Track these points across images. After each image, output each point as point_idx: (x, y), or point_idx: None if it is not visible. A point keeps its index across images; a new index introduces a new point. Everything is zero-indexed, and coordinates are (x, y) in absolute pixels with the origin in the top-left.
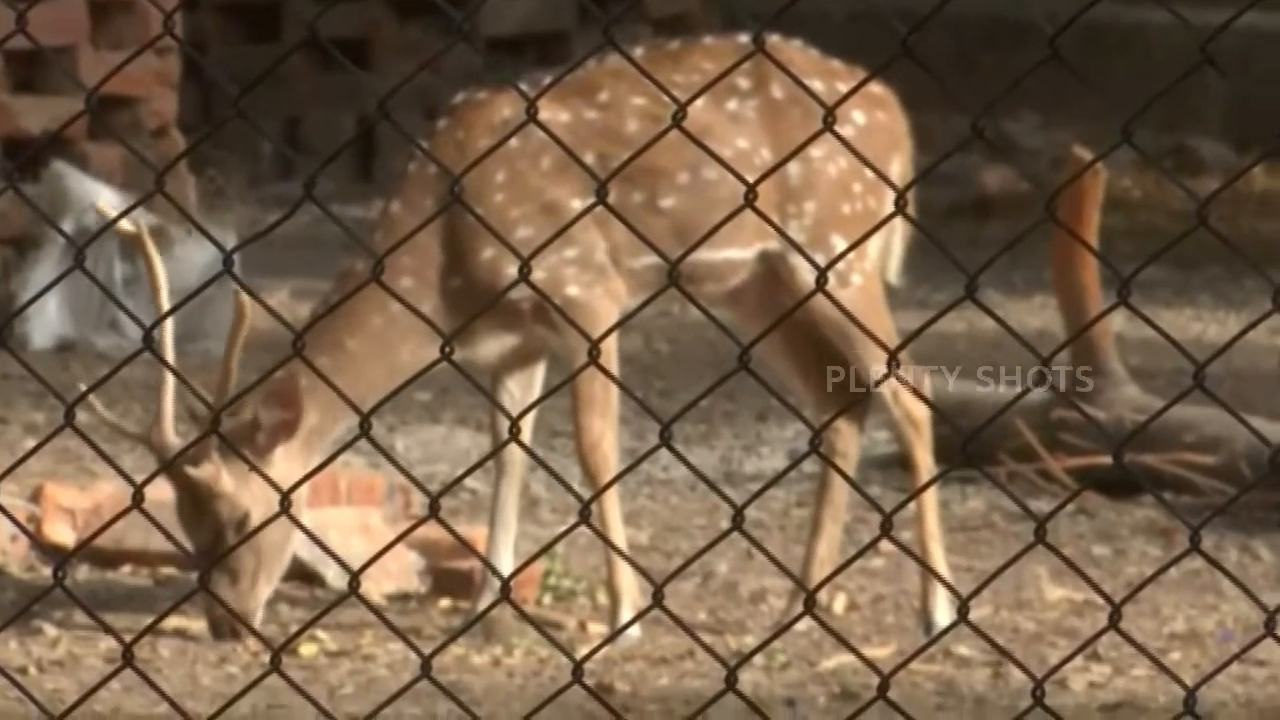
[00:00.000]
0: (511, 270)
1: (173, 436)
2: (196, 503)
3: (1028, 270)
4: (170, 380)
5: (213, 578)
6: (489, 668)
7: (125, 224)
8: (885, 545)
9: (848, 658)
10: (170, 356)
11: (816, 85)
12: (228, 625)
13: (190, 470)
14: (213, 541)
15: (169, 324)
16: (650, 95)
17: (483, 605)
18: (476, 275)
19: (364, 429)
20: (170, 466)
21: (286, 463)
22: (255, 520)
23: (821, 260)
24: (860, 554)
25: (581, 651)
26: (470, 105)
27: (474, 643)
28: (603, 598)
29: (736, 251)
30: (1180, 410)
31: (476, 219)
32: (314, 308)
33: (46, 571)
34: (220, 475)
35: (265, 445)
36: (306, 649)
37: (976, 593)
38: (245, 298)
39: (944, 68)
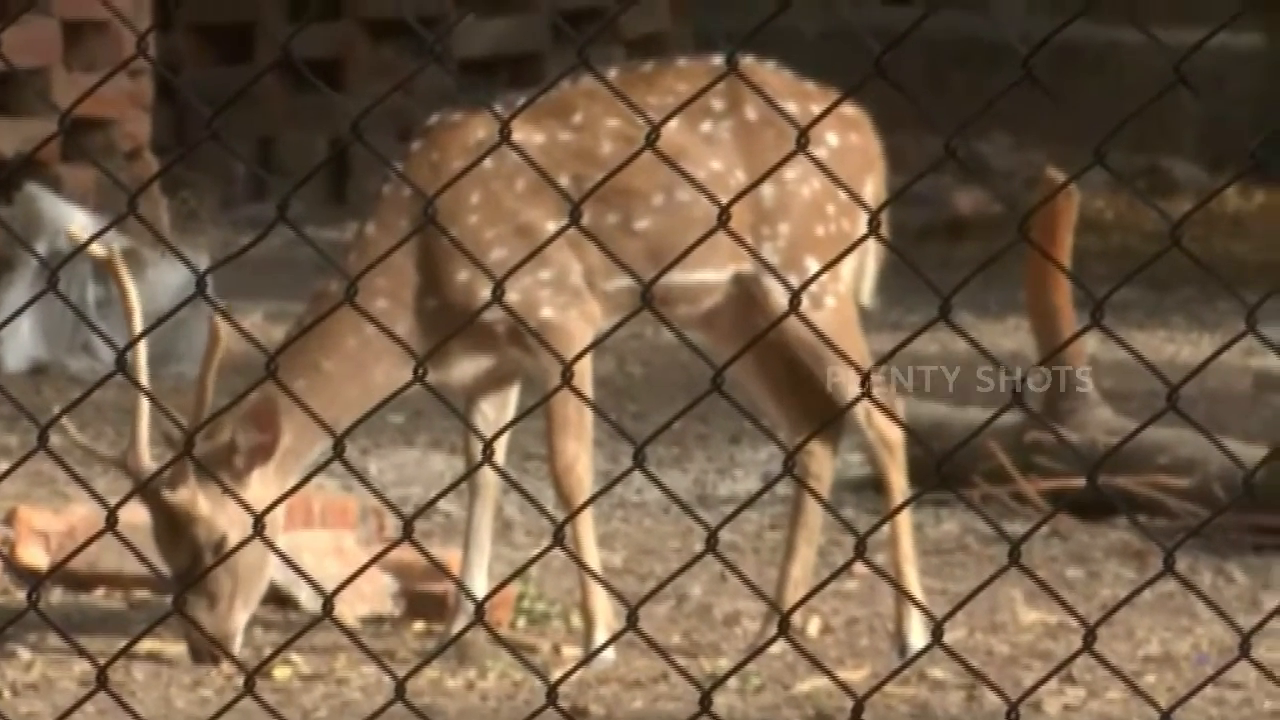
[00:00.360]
0: (486, 292)
1: (148, 460)
2: (173, 526)
3: (1001, 292)
4: (145, 404)
5: (191, 602)
6: (463, 691)
7: (98, 248)
8: (859, 567)
9: (822, 680)
10: (144, 379)
11: (790, 107)
12: (207, 649)
13: (167, 494)
14: (190, 565)
15: (143, 347)
16: (625, 117)
17: (457, 628)
18: (451, 297)
19: (338, 451)
20: (145, 490)
21: (262, 486)
22: (232, 543)
23: (795, 282)
24: (834, 576)
25: (556, 674)
26: (445, 127)
27: (448, 666)
28: (577, 620)
29: (710, 274)
30: (1154, 432)
31: (451, 241)
32: (289, 330)
33: (20, 594)
34: (197, 499)
35: (243, 468)
36: (280, 672)
37: (950, 615)
38: (220, 321)
39: (917, 88)
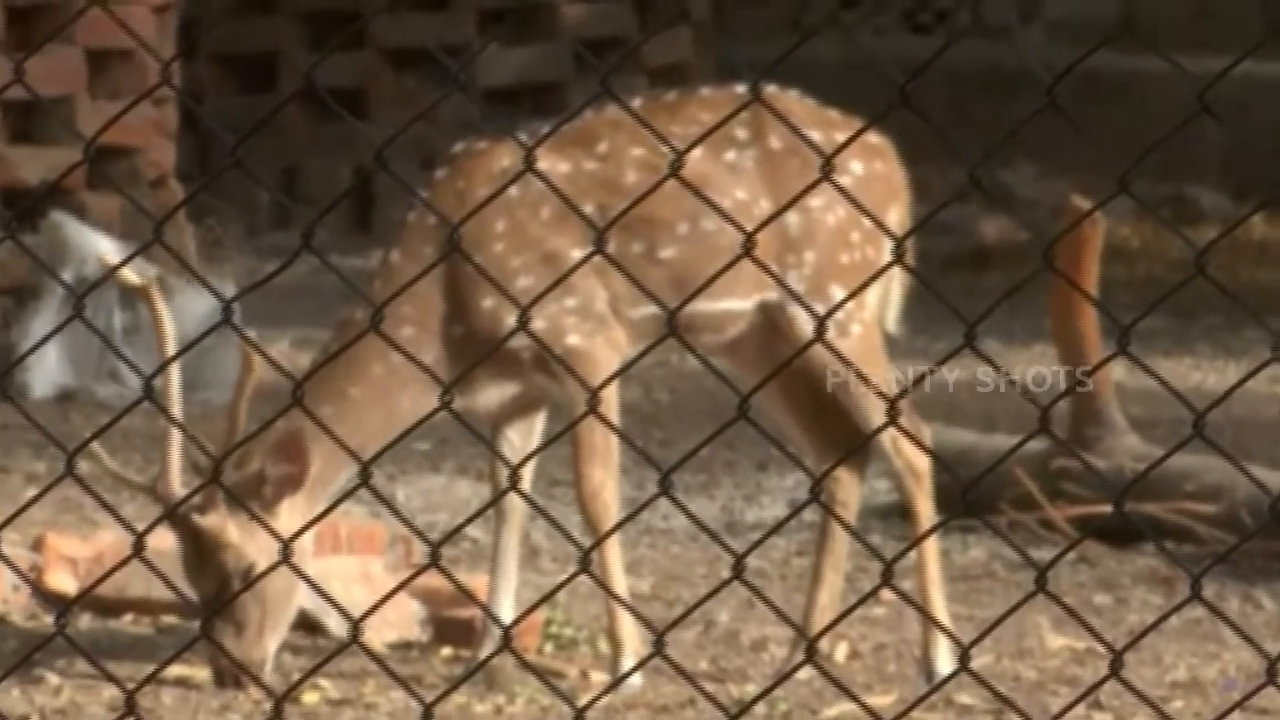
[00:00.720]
0: (512, 319)
1: (178, 487)
2: (201, 553)
3: (1026, 320)
4: (176, 431)
5: (218, 629)
6: (491, 716)
7: (134, 277)
8: (886, 593)
9: (849, 706)
10: (178, 406)
11: (814, 135)
12: (232, 674)
13: (196, 519)
14: (218, 592)
15: (176, 374)
16: (649, 146)
17: (484, 654)
18: (477, 324)
19: (364, 478)
20: (174, 516)
21: (291, 515)
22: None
23: (821, 310)
24: (861, 602)
25: (583, 700)
26: (469, 155)
27: (476, 691)
28: (604, 646)
29: (735, 302)
30: (1180, 459)
31: (476, 269)
32: (315, 357)
33: (49, 620)
34: (226, 526)
35: (271, 498)
36: (309, 697)
37: (978, 641)
38: (251, 350)
39: (940, 117)
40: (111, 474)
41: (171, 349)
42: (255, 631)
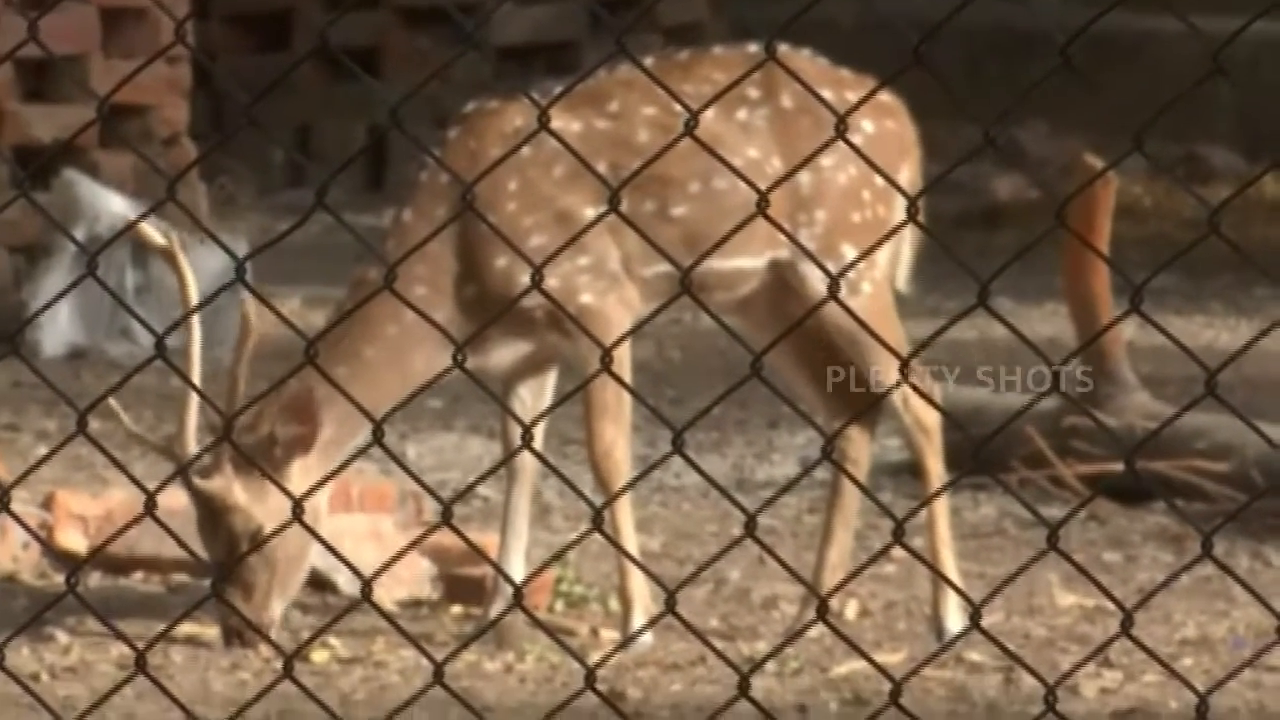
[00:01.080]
0: (525, 278)
1: (194, 446)
2: (211, 515)
3: (1039, 278)
4: (193, 390)
5: (228, 591)
6: (501, 674)
7: (158, 237)
8: (897, 551)
9: (860, 664)
10: (197, 366)
11: (826, 94)
12: (240, 634)
13: (200, 482)
14: (227, 555)
15: (197, 333)
16: (661, 105)
17: (495, 612)
18: (490, 283)
19: (377, 436)
20: (186, 478)
21: (304, 476)
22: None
23: (832, 269)
24: (872, 560)
25: (594, 658)
26: (482, 114)
27: (486, 649)
28: (615, 604)
29: (747, 260)
30: (1191, 417)
31: (490, 228)
32: (328, 316)
33: (59, 578)
34: (232, 488)
35: (282, 459)
36: (318, 656)
37: (988, 599)
38: (251, 310)
39: (953, 76)
40: (130, 433)
41: (195, 309)
42: (263, 593)
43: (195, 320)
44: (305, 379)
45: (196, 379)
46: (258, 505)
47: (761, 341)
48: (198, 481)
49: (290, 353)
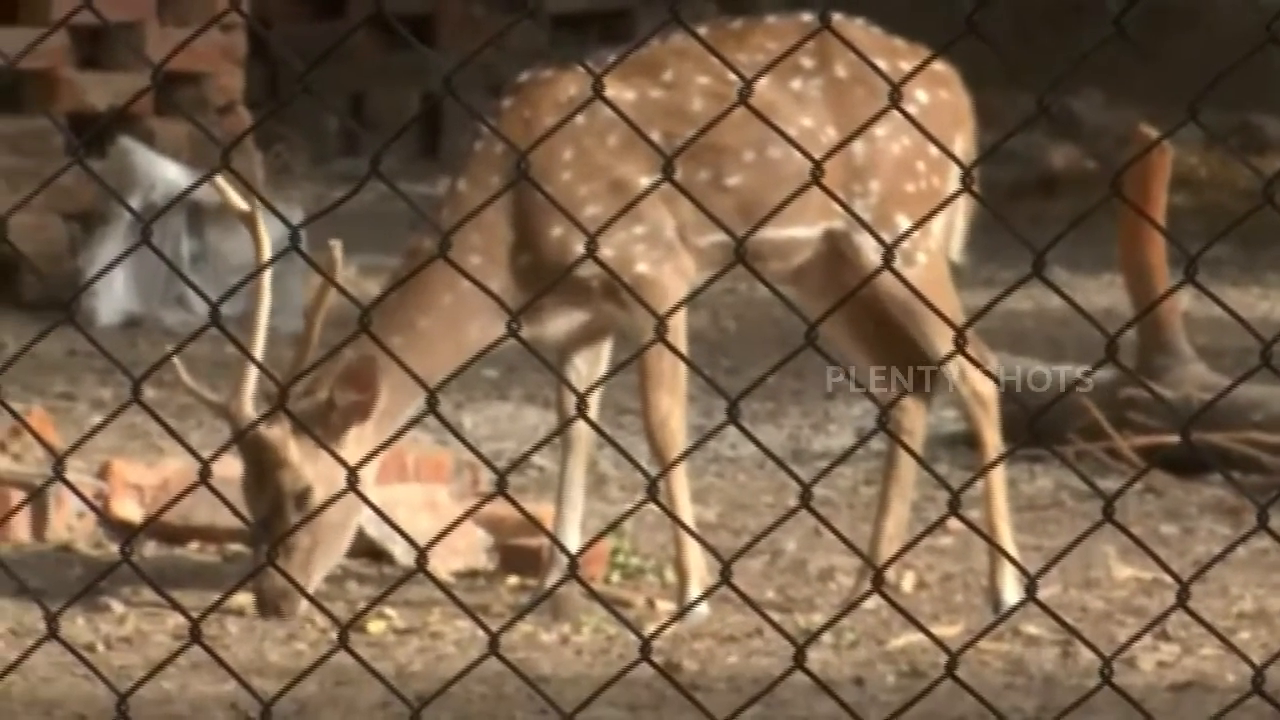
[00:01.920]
0: (580, 247)
1: (250, 409)
2: (261, 470)
3: (1094, 249)
4: (251, 353)
5: (265, 553)
6: (557, 646)
7: (241, 202)
8: (953, 523)
9: (916, 636)
10: (262, 333)
11: (880, 64)
12: (274, 603)
13: (261, 430)
14: (270, 513)
15: (266, 300)
16: (715, 74)
17: (550, 583)
18: (545, 253)
19: (432, 406)
20: (241, 436)
21: (358, 444)
22: (318, 499)
23: (886, 239)
24: (928, 532)
25: (650, 629)
26: (536, 83)
27: (542, 620)
28: (671, 576)
29: (801, 230)
30: (1248, 389)
31: (545, 197)
32: (383, 284)
33: (114, 548)
34: (289, 443)
35: (338, 426)
36: (374, 626)
37: (1044, 571)
38: (333, 257)
39: (1006, 45)
40: (189, 391)
41: (267, 278)
42: (302, 559)
43: (266, 285)
44: (362, 348)
45: (260, 345)
46: (309, 465)
47: (816, 311)
48: (259, 430)
49: (345, 321)
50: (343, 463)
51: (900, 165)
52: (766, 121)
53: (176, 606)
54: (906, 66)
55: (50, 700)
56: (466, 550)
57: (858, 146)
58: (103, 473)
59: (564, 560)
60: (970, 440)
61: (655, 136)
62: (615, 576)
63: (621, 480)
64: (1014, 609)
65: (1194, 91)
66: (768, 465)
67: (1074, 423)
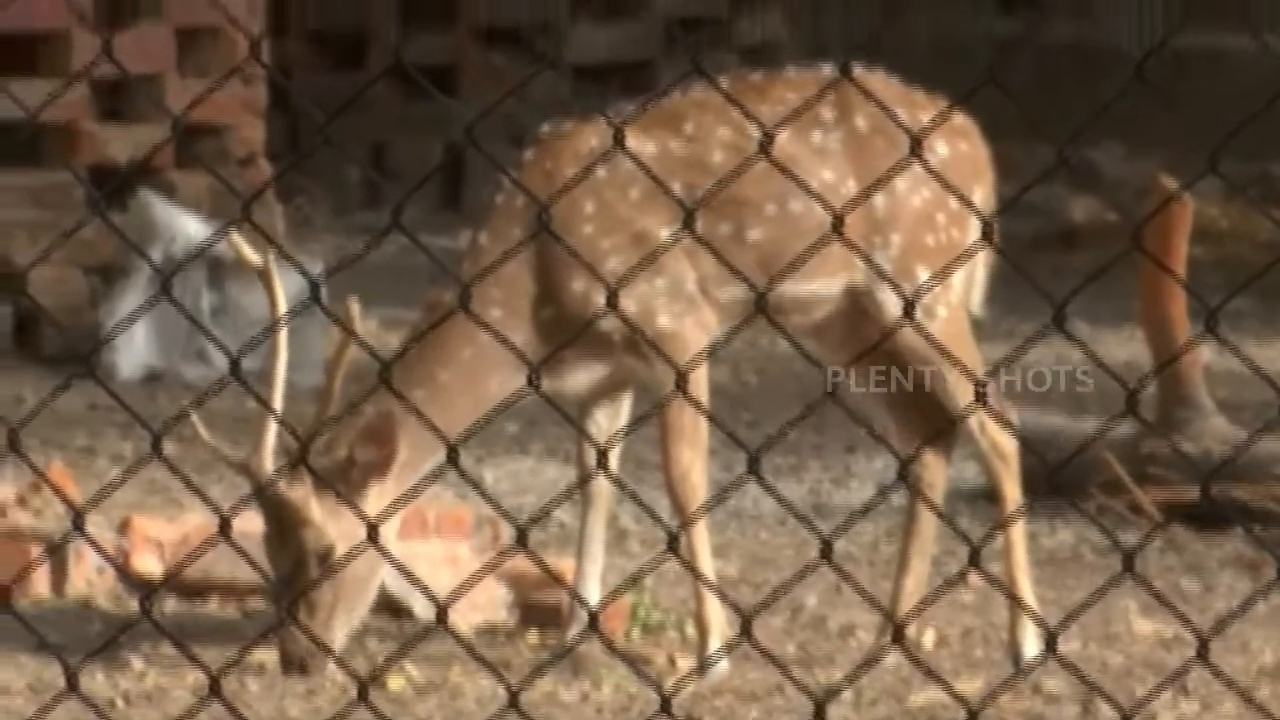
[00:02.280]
0: (602, 301)
1: (270, 465)
2: (283, 528)
3: (1115, 301)
4: (269, 412)
5: (290, 611)
6: (577, 702)
7: (254, 256)
8: (973, 578)
9: (937, 692)
10: (280, 388)
11: (900, 115)
12: (299, 661)
13: (282, 489)
14: (293, 570)
15: (283, 354)
16: (735, 127)
17: (571, 638)
18: (567, 306)
19: (452, 460)
20: (262, 493)
21: (379, 501)
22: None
23: (907, 292)
24: (948, 586)
25: (670, 685)
26: (557, 135)
27: (562, 676)
28: (691, 631)
29: (822, 284)
30: (1269, 442)
31: (567, 250)
32: (403, 338)
33: (134, 603)
34: (310, 502)
35: (358, 482)
36: (394, 681)
37: (1064, 625)
38: (348, 321)
39: (1026, 96)
40: (209, 448)
41: (283, 333)
42: (325, 616)
43: (282, 341)
44: (383, 403)
45: (279, 400)
46: (332, 524)
47: (837, 365)
48: (280, 488)
49: (366, 375)
50: (364, 516)
51: (921, 218)
52: (788, 173)
53: (197, 662)
54: (926, 118)
55: None
56: (487, 605)
57: (878, 199)
58: (123, 528)
59: (584, 615)
60: (990, 494)
61: (676, 189)
62: (636, 632)
63: (642, 535)
64: (1034, 663)
65: (1213, 142)
66: (789, 520)
67: (1095, 477)
